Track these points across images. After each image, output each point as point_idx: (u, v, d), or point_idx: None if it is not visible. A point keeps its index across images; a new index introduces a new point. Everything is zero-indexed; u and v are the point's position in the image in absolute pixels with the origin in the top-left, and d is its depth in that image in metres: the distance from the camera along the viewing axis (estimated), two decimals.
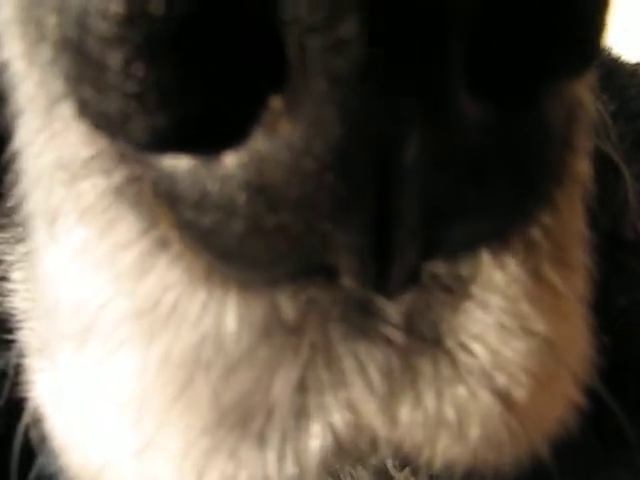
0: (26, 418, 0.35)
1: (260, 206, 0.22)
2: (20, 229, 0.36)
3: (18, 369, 0.37)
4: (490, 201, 0.23)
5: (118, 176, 0.24)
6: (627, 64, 0.70)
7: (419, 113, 0.20)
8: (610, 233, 0.53)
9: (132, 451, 0.28)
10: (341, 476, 0.37)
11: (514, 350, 0.26)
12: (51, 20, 0.22)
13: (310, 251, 0.23)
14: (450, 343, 0.25)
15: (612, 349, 0.46)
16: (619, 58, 0.69)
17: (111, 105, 0.21)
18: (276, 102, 0.21)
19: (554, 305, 0.27)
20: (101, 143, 0.24)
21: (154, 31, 0.19)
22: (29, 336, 0.36)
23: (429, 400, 0.26)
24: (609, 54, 0.69)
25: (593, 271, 0.31)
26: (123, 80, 0.20)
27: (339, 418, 0.25)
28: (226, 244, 0.23)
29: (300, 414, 0.25)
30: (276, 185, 0.21)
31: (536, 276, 0.26)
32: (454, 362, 0.26)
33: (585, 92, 0.27)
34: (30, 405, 0.34)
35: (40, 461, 0.36)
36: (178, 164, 0.22)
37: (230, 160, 0.21)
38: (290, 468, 0.26)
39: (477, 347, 0.26)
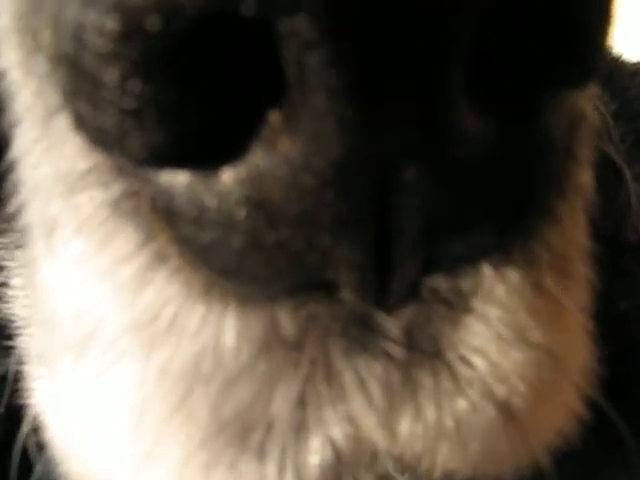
0: (26, 426, 0.35)
1: (259, 222, 0.21)
2: (19, 235, 0.36)
3: (18, 376, 0.36)
4: (491, 216, 0.23)
5: (115, 190, 0.24)
6: (628, 64, 0.69)
7: (419, 130, 0.20)
8: (611, 236, 0.53)
9: (131, 462, 0.28)
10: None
11: (514, 362, 0.26)
12: (47, 33, 0.22)
13: (310, 267, 0.22)
14: (450, 356, 0.25)
15: (614, 354, 0.46)
16: (620, 57, 0.69)
17: (107, 121, 0.21)
18: (275, 117, 0.20)
19: (555, 316, 0.27)
20: (98, 156, 0.24)
21: (150, 47, 0.19)
22: (28, 343, 0.36)
23: (429, 413, 0.26)
24: (610, 53, 0.68)
25: (594, 279, 0.31)
26: (119, 96, 0.20)
27: (339, 432, 0.25)
28: (225, 260, 0.22)
29: (300, 428, 0.25)
30: (275, 201, 0.21)
31: (537, 288, 0.26)
32: (454, 375, 0.25)
33: (587, 103, 0.27)
34: (30, 413, 0.34)
35: (39, 469, 0.36)
36: (176, 180, 0.22)
37: (228, 176, 0.21)
38: None
39: (477, 360, 0.26)
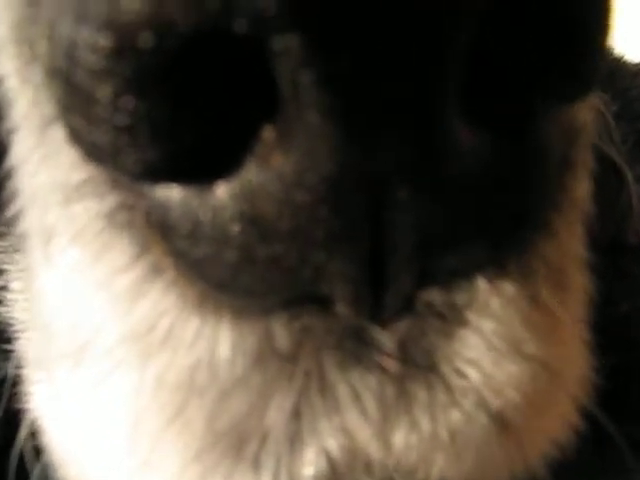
0: (24, 430, 0.35)
1: (253, 237, 0.21)
2: (18, 239, 0.36)
3: (16, 380, 0.37)
4: (486, 230, 0.23)
5: (110, 202, 0.24)
6: (630, 64, 0.69)
7: (414, 148, 0.20)
8: (612, 238, 0.53)
9: (127, 471, 0.28)
10: None
11: (510, 374, 0.26)
12: (42, 46, 0.22)
13: (304, 281, 0.22)
14: (445, 369, 0.25)
15: (614, 356, 0.46)
16: (622, 58, 0.68)
17: (100, 136, 0.20)
18: (269, 133, 0.20)
19: (551, 329, 0.27)
20: (93, 168, 0.24)
21: (143, 64, 0.19)
22: (27, 347, 0.36)
23: (424, 425, 0.26)
24: (611, 54, 0.68)
25: (593, 287, 0.31)
26: (112, 113, 0.20)
27: (333, 443, 0.25)
28: (219, 273, 0.22)
29: (294, 439, 0.25)
30: (268, 216, 0.21)
31: (533, 301, 0.26)
32: (449, 387, 0.25)
33: (586, 115, 0.27)
34: (28, 417, 0.34)
35: (37, 473, 0.36)
36: (170, 194, 0.22)
37: (222, 191, 0.21)
38: None
39: (472, 372, 0.26)
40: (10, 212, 0.34)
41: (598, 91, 0.30)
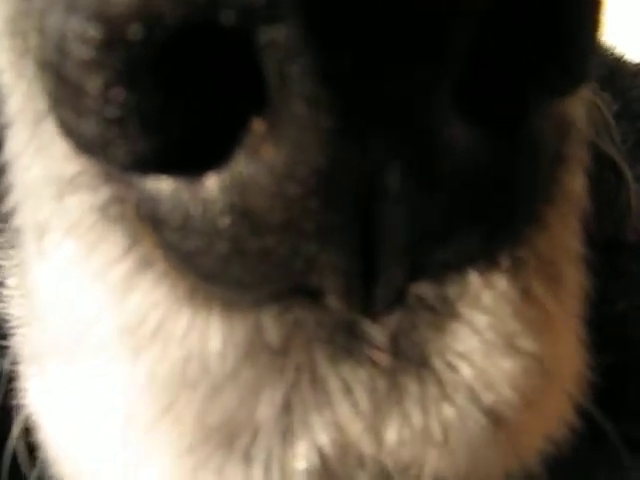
0: (18, 425, 0.35)
1: (243, 229, 0.21)
2: (14, 235, 0.36)
3: (12, 376, 0.37)
4: (477, 223, 0.23)
5: (103, 194, 0.24)
6: (630, 64, 0.69)
7: (404, 140, 0.20)
8: (611, 236, 0.53)
9: (120, 465, 0.28)
10: None
11: (502, 368, 0.26)
12: (33, 38, 0.22)
13: (295, 273, 0.22)
14: (436, 363, 0.25)
15: (611, 355, 0.46)
16: (622, 57, 0.68)
17: (91, 128, 0.20)
18: (258, 125, 0.20)
19: (544, 323, 0.27)
20: (85, 161, 0.24)
21: (133, 56, 0.19)
22: (22, 343, 0.36)
23: (416, 419, 0.26)
24: (612, 54, 0.68)
25: (589, 283, 0.31)
26: (102, 105, 0.20)
27: (325, 438, 0.25)
28: (210, 266, 0.22)
29: (286, 433, 0.25)
30: (259, 209, 0.21)
31: (525, 294, 0.26)
32: (440, 381, 0.25)
33: (578, 108, 0.27)
34: (23, 413, 0.34)
35: (34, 471, 0.36)
36: (160, 186, 0.22)
37: (212, 183, 0.21)
38: None
39: (464, 366, 0.25)
40: (5, 207, 0.34)
41: (590, 86, 0.30)
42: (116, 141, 0.20)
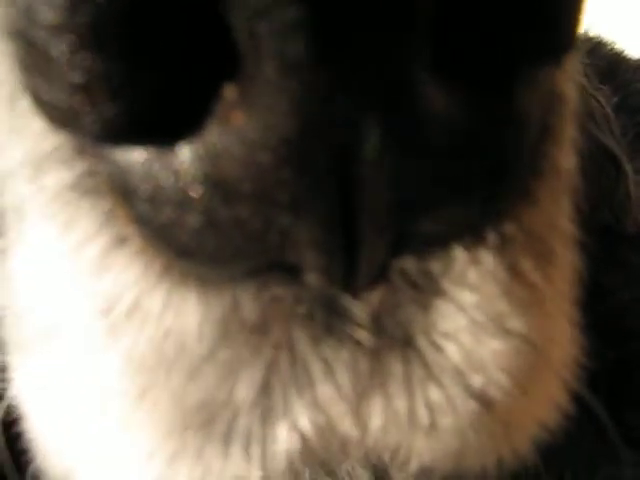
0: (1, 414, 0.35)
1: (216, 200, 0.21)
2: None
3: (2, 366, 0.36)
4: (461, 194, 0.22)
5: (76, 170, 0.23)
6: (630, 59, 0.68)
7: (379, 100, 0.19)
8: (611, 228, 0.52)
9: (100, 451, 0.27)
10: (339, 475, 0.36)
11: (490, 350, 0.25)
12: (2, 9, 0.21)
13: (271, 247, 0.22)
14: (421, 343, 0.24)
15: (613, 346, 0.45)
16: (622, 53, 0.68)
17: (60, 97, 0.20)
18: (230, 92, 0.20)
19: (534, 303, 0.26)
20: (59, 137, 0.23)
21: (98, 19, 0.19)
22: (9, 333, 0.36)
23: (400, 402, 0.25)
24: (612, 49, 0.67)
25: (584, 267, 0.30)
26: (69, 70, 0.19)
27: (306, 420, 0.24)
28: (183, 239, 0.22)
29: (265, 415, 0.24)
30: (232, 178, 0.20)
31: (514, 272, 0.25)
32: (426, 362, 0.25)
33: (567, 83, 0.26)
34: (8, 402, 0.34)
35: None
36: (131, 157, 0.21)
37: (184, 153, 0.21)
38: (257, 471, 0.25)
39: (450, 346, 0.25)
40: None
41: (578, 60, 0.29)
42: (84, 108, 0.20)
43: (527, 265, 0.25)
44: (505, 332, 0.25)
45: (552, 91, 0.24)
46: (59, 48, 0.19)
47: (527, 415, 0.28)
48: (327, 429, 0.25)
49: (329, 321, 0.24)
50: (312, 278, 0.23)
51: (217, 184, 0.21)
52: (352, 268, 0.22)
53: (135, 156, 0.21)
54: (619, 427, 0.37)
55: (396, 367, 0.24)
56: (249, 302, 0.23)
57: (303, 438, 0.25)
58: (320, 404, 0.24)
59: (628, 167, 0.57)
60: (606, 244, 0.47)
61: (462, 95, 0.20)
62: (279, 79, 0.19)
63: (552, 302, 0.27)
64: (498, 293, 0.25)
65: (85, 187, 0.23)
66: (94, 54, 0.19)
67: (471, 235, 0.24)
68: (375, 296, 0.24)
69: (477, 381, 0.25)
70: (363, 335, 0.24)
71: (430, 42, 0.19)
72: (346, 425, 0.25)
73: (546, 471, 0.35)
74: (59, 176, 0.24)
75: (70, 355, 0.27)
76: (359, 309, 0.24)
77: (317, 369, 0.24)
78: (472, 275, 0.24)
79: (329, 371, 0.24)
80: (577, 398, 0.30)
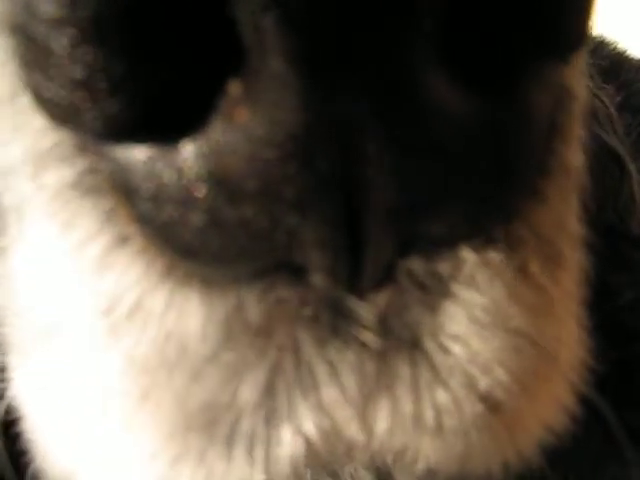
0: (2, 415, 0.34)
1: (220, 199, 0.20)
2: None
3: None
4: (469, 194, 0.22)
5: (78, 167, 0.23)
6: (633, 58, 0.68)
7: (385, 95, 0.19)
8: (616, 228, 0.52)
9: (102, 453, 0.27)
10: (341, 477, 0.36)
11: (498, 351, 0.25)
12: (2, 4, 0.21)
13: (276, 247, 0.21)
14: (428, 344, 0.24)
15: (616, 346, 0.44)
16: (624, 52, 0.68)
17: (60, 92, 0.20)
18: (234, 88, 0.19)
19: (542, 305, 0.26)
20: (60, 134, 0.23)
21: (100, 12, 0.18)
22: (9, 333, 0.35)
23: (407, 404, 0.24)
24: (614, 48, 0.67)
25: (592, 269, 0.30)
26: (70, 65, 0.19)
27: (311, 423, 0.24)
28: (186, 239, 0.21)
29: (269, 418, 0.24)
30: (236, 176, 0.20)
31: (522, 274, 0.25)
32: (433, 364, 0.24)
33: (576, 80, 0.25)
34: (8, 402, 0.33)
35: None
36: (134, 155, 0.21)
37: (187, 150, 0.20)
38: (260, 474, 0.24)
39: (457, 348, 0.24)
40: None
41: (585, 57, 0.29)
42: (85, 104, 0.19)
43: (535, 266, 0.25)
44: (512, 334, 0.25)
45: (561, 88, 0.24)
46: (60, 42, 0.19)
47: (533, 417, 0.28)
48: (332, 432, 0.25)
49: (335, 323, 0.23)
50: (317, 279, 0.22)
51: (221, 182, 0.20)
52: (358, 269, 0.22)
53: (137, 154, 0.21)
54: (621, 428, 0.36)
55: (403, 369, 0.24)
56: (254, 303, 0.23)
57: (307, 441, 0.24)
58: (325, 407, 0.24)
59: (632, 167, 0.56)
60: (610, 244, 0.47)
61: (468, 93, 0.20)
62: (284, 73, 0.18)
63: (560, 303, 0.27)
64: (506, 295, 0.24)
65: (86, 185, 0.23)
66: (95, 48, 0.19)
67: (479, 235, 0.23)
68: (382, 297, 0.23)
69: (484, 383, 0.25)
70: (369, 337, 0.23)
71: (434, 41, 0.19)
72: (352, 428, 0.25)
73: (551, 472, 0.35)
74: (60, 174, 0.24)
75: (71, 355, 0.26)
76: (365, 310, 0.23)
77: (322, 371, 0.23)
78: (480, 276, 0.24)
79: (334, 373, 0.24)
80: (583, 399, 0.30)
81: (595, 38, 0.73)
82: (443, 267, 0.23)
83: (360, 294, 0.23)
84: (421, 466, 0.27)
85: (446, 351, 0.24)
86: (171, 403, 0.24)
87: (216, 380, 0.23)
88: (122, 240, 0.23)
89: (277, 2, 0.17)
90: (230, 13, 0.18)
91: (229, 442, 0.24)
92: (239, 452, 0.24)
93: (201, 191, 0.20)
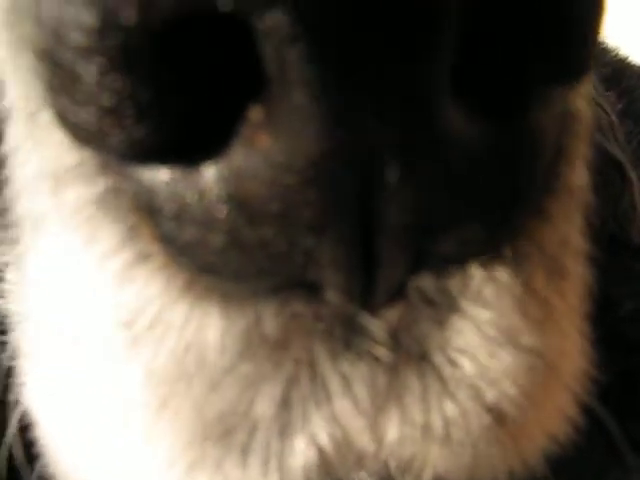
0: (15, 420, 0.35)
1: (240, 220, 0.21)
2: (13, 229, 0.36)
3: (11, 372, 0.36)
4: (478, 214, 0.23)
5: (100, 186, 0.24)
6: (635, 65, 0.69)
7: (403, 127, 0.20)
8: (616, 237, 0.52)
9: (118, 462, 0.28)
10: None
11: (504, 364, 0.26)
12: (29, 28, 0.21)
13: (293, 265, 0.22)
14: (437, 358, 0.25)
15: (621, 358, 0.45)
16: (626, 59, 0.68)
17: (86, 117, 0.20)
18: (256, 114, 0.20)
19: (547, 318, 0.27)
20: (82, 152, 0.23)
21: (128, 42, 0.19)
22: (21, 339, 0.36)
23: (417, 415, 0.25)
24: (616, 55, 0.68)
25: (593, 281, 0.31)
26: (98, 92, 0.20)
27: (324, 434, 0.25)
28: (207, 257, 0.22)
29: (284, 429, 0.25)
30: (256, 199, 0.21)
31: (528, 289, 0.26)
32: (441, 377, 0.25)
33: (581, 102, 0.26)
34: (21, 408, 0.34)
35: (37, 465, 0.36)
36: (157, 176, 0.21)
37: (209, 173, 0.21)
38: None
39: (465, 362, 0.25)
40: (3, 201, 0.34)
41: (592, 81, 0.29)
42: (112, 129, 0.20)
43: (541, 281, 0.26)
44: (518, 347, 0.26)
45: (567, 112, 0.25)
46: (88, 70, 0.19)
47: (538, 427, 0.29)
48: (344, 442, 0.25)
49: (348, 337, 0.24)
50: (332, 295, 0.23)
51: (242, 205, 0.21)
52: (370, 286, 0.23)
53: (161, 175, 0.21)
54: (624, 438, 0.37)
55: (412, 382, 0.25)
56: (271, 318, 0.23)
57: (320, 451, 0.25)
58: (338, 418, 0.25)
59: (633, 174, 0.57)
60: (610, 253, 0.48)
61: (481, 119, 0.21)
62: (306, 104, 0.19)
63: (564, 317, 0.28)
64: (512, 309, 0.25)
65: (108, 204, 0.24)
66: (124, 76, 0.19)
67: (487, 253, 0.24)
68: (393, 313, 0.24)
69: (491, 395, 0.26)
70: (381, 351, 0.24)
71: (449, 71, 0.20)
72: (363, 438, 0.25)
73: None
74: (81, 191, 0.24)
75: (89, 364, 0.27)
76: (377, 326, 0.24)
77: (336, 383, 0.24)
78: (488, 292, 0.25)
79: (347, 385, 0.24)
80: (587, 410, 0.31)
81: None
82: (452, 283, 0.24)
83: (372, 310, 0.24)
84: (428, 474, 0.28)
85: (454, 364, 0.25)
86: (189, 412, 0.25)
87: (234, 391, 0.24)
88: (144, 257, 0.24)
89: (299, 37, 0.18)
90: (254, 45, 0.19)
91: (245, 451, 0.25)
92: (254, 461, 0.25)
93: (222, 213, 0.21)
